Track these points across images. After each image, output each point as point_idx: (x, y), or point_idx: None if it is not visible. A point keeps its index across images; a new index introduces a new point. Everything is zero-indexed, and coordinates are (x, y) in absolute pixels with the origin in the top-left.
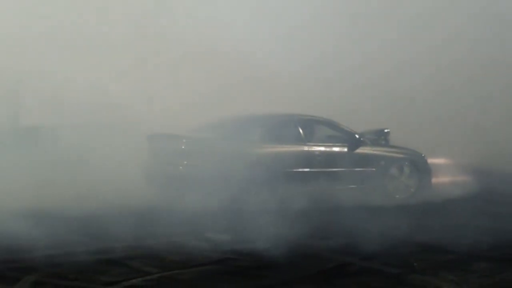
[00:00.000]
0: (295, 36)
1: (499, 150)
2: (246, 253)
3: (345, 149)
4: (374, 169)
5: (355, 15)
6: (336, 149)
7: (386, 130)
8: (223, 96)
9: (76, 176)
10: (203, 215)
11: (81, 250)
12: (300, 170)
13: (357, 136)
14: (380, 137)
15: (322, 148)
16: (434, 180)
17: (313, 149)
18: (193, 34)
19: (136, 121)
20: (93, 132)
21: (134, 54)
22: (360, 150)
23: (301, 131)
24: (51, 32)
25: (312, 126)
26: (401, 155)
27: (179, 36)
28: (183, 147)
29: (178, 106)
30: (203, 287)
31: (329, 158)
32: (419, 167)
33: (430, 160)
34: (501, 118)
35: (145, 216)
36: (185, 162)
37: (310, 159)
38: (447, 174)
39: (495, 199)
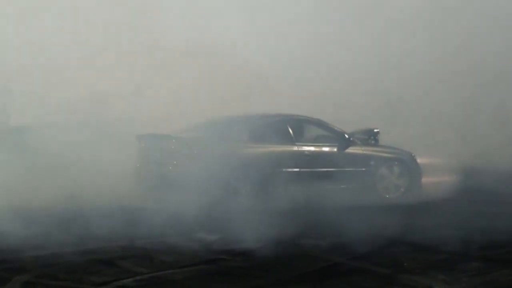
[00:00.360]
0: (285, 35)
1: (489, 149)
2: (237, 253)
3: (335, 149)
4: (364, 169)
5: (344, 14)
6: (325, 149)
7: (375, 130)
8: (216, 96)
9: (66, 176)
10: (194, 215)
11: (71, 250)
12: (290, 170)
13: (346, 136)
14: (370, 137)
15: (312, 148)
16: (424, 179)
17: (302, 149)
18: (186, 33)
19: (127, 121)
20: (83, 132)
21: (126, 54)
22: (350, 150)
23: (290, 131)
24: (41, 31)
25: (301, 126)
26: (391, 155)
27: (171, 35)
28: (172, 147)
29: (170, 106)
30: (194, 287)
31: (319, 158)
32: (409, 166)
33: (420, 160)
34: (491, 118)
35: (135, 217)
36: (175, 162)
37: (299, 159)
38: (437, 174)
39: (486, 199)
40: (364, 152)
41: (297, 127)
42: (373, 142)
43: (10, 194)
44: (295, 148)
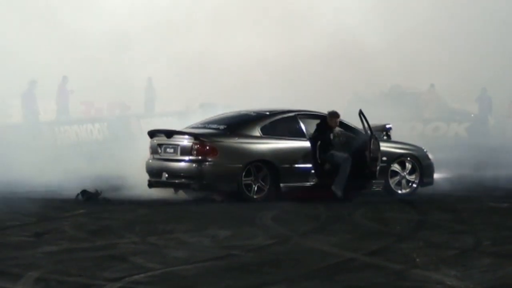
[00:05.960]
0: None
1: (501, 145)
2: (249, 249)
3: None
4: None
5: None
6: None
7: (388, 126)
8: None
9: (80, 172)
10: (206, 211)
11: (84, 246)
12: (302, 165)
13: (359, 131)
14: (382, 133)
15: None
16: (436, 175)
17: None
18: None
19: (141, 118)
20: (99, 128)
21: (140, 52)
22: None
23: (303, 126)
24: (65, 33)
25: (314, 122)
26: (403, 151)
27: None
28: (185, 142)
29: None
30: (205, 283)
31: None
32: (421, 162)
33: (432, 155)
34: (504, 113)
35: (147, 212)
36: (187, 158)
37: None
38: (449, 169)
39: (498, 195)
40: None
41: (309, 123)
42: (385, 137)
43: (26, 186)
44: (308, 144)
